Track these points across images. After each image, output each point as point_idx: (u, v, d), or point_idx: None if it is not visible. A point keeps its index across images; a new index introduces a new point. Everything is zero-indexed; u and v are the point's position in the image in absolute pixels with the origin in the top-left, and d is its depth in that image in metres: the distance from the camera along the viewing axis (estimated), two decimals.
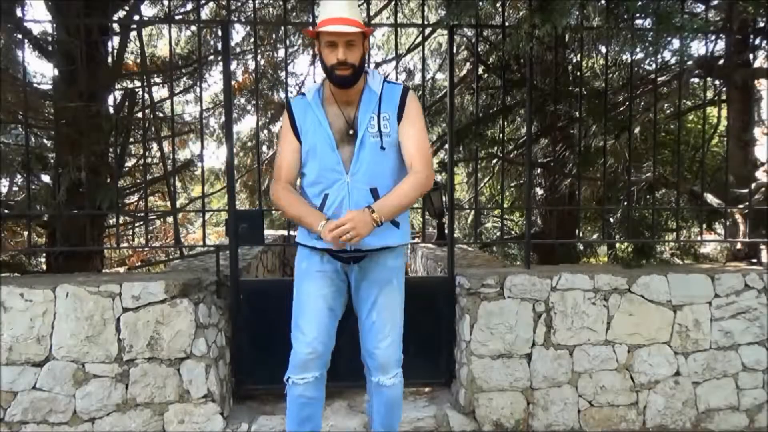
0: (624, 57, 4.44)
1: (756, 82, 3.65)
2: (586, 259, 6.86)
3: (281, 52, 6.13)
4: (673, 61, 4.59)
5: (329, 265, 2.04)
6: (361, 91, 1.99)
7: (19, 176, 3.95)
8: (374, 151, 1.95)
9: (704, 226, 4.17)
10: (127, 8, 4.33)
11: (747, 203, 3.39)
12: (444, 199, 3.71)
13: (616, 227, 4.82)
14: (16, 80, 3.41)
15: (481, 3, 2.73)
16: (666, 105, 5.22)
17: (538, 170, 5.72)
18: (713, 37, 3.81)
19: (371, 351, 2.07)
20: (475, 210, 4.01)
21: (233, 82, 5.29)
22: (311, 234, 2.00)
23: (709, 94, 4.44)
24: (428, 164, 2.01)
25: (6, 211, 3.83)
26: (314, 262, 2.05)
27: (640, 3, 2.59)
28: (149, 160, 5.29)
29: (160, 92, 6.30)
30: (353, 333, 2.17)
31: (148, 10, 5.29)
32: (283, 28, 3.47)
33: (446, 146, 3.38)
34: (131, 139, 4.46)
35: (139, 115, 4.16)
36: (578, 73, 4.28)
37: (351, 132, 1.96)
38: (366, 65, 2.07)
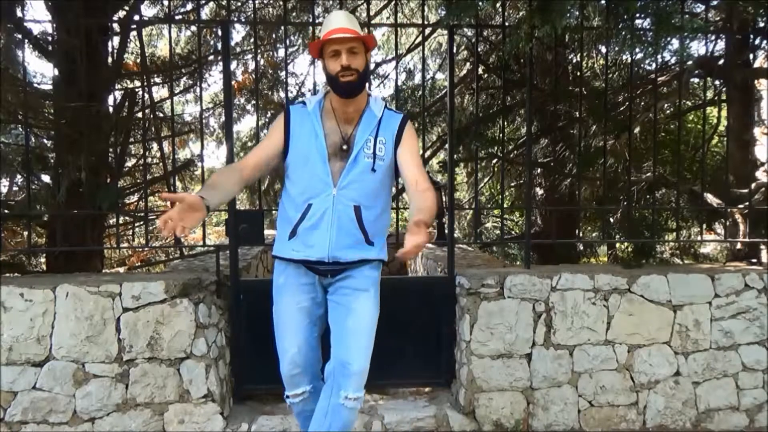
0: (624, 57, 4.45)
1: (756, 82, 3.65)
2: (586, 259, 6.86)
3: (281, 52, 6.14)
4: (673, 61, 4.59)
5: (306, 277, 2.04)
6: (362, 111, 2.04)
7: (19, 176, 3.95)
8: (365, 171, 1.99)
9: (704, 226, 4.17)
10: (127, 8, 4.33)
11: (747, 203, 3.39)
12: (444, 198, 3.71)
13: (616, 227, 4.82)
14: (16, 80, 3.41)
15: (481, 3, 2.72)
16: (666, 105, 5.22)
17: (538, 170, 5.73)
18: (713, 37, 3.81)
19: (346, 361, 1.97)
20: (475, 210, 4.01)
21: (233, 82, 5.29)
22: (287, 244, 2.01)
23: (709, 94, 4.44)
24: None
25: (6, 211, 3.84)
26: (291, 275, 2.04)
27: (640, 3, 2.59)
28: (149, 160, 5.29)
29: (160, 92, 6.32)
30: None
31: (148, 10, 5.31)
32: (283, 28, 3.46)
33: (446, 146, 3.38)
34: (131, 139, 4.46)
35: (139, 115, 4.16)
36: (578, 73, 4.28)
37: (345, 147, 1.99)
38: (369, 89, 2.09)
